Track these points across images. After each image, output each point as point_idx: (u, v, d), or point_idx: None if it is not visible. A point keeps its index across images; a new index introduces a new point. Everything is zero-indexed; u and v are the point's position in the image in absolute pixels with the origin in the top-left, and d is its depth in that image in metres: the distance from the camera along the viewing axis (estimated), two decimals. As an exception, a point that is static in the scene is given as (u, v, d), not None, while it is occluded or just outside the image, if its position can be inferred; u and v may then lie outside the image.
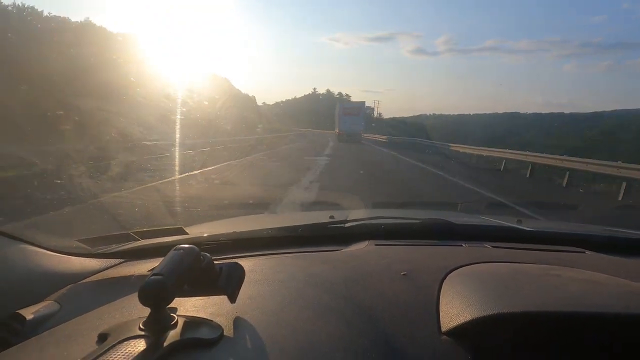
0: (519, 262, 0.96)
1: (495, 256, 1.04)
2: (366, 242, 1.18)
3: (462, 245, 1.17)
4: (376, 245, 1.16)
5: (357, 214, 1.58)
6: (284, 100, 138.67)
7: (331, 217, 1.45)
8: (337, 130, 35.30)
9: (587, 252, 1.15)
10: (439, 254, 1.06)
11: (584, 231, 1.49)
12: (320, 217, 1.61)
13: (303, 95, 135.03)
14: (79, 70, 15.57)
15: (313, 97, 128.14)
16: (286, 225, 1.35)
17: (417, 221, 1.34)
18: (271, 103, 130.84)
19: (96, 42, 21.00)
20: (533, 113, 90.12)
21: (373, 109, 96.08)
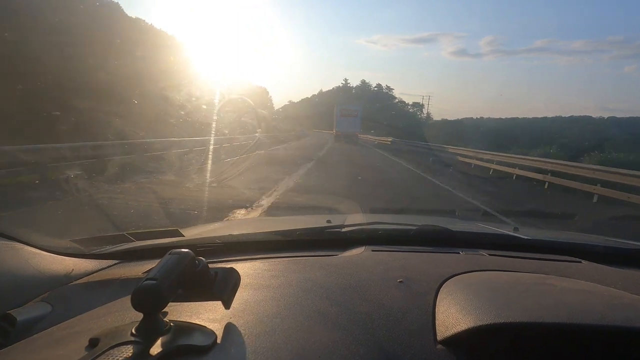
0: (516, 271, 0.96)
1: (491, 264, 1.04)
2: (363, 248, 1.18)
3: (458, 253, 1.17)
4: (373, 251, 1.16)
5: (354, 219, 1.57)
6: (310, 96, 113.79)
7: (328, 221, 1.44)
8: (335, 131, 36.53)
9: (584, 262, 1.14)
10: (436, 261, 1.06)
11: (581, 240, 1.48)
12: (317, 221, 1.61)
13: (333, 87, 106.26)
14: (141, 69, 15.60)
15: (344, 89, 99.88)
16: (283, 229, 1.35)
17: (414, 227, 1.34)
18: (297, 100, 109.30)
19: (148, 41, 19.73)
20: (610, 117, 73.73)
21: (422, 105, 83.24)
